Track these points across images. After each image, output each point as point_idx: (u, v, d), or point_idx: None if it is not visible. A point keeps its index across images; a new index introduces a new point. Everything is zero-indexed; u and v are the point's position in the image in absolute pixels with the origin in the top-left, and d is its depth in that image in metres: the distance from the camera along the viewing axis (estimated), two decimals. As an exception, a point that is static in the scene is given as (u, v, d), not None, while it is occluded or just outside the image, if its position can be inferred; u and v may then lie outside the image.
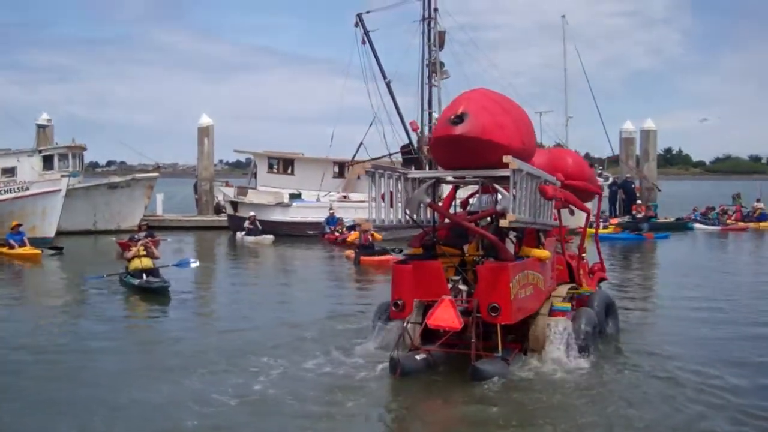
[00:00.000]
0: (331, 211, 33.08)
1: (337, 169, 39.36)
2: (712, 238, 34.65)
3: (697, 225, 38.18)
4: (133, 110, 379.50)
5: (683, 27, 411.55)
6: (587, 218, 13.74)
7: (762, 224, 39.14)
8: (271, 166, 39.43)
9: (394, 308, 10.94)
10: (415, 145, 36.65)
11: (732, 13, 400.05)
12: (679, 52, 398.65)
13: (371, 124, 36.25)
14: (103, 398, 9.47)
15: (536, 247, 11.52)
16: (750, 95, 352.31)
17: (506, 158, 9.83)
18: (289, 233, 33.05)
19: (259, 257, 27.94)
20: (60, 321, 14.74)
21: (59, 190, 29.81)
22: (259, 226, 32.62)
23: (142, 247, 18.31)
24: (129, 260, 18.22)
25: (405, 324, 10.66)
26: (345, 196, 36.74)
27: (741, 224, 38.66)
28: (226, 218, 37.57)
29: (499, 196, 10.75)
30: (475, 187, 11.82)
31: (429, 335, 10.64)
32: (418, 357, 10.41)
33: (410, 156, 36.42)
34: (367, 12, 37.13)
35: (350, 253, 24.91)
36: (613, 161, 45.05)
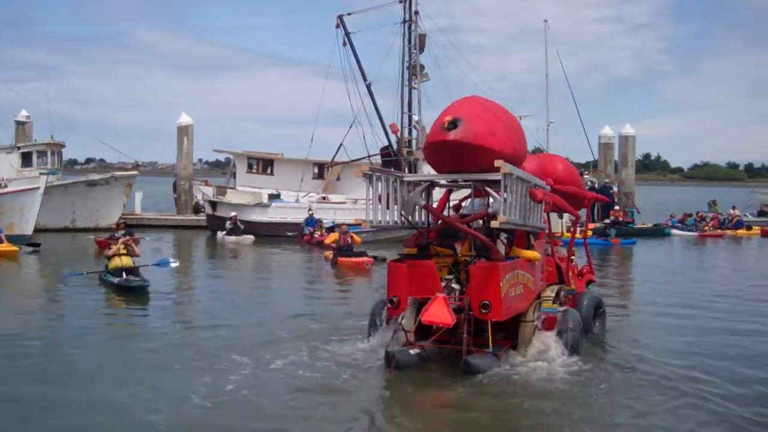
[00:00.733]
0: (311, 212, 33.14)
1: (316, 170, 39.43)
2: (689, 244, 35.00)
3: (674, 231, 38.52)
4: (114, 109, 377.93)
5: (665, 34, 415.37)
6: (576, 222, 14.31)
7: (739, 231, 39.57)
8: (250, 166, 39.41)
9: (389, 305, 11.37)
10: (395, 147, 36.77)
11: (713, 21, 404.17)
12: (660, 59, 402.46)
13: (351, 126, 36.35)
14: (74, 397, 9.50)
15: (526, 248, 11.93)
16: (729, 103, 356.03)
17: (497, 162, 10.23)
18: (267, 234, 33.04)
19: (239, 257, 27.90)
20: (37, 318, 14.69)
21: (38, 188, 29.65)
22: (241, 226, 32.61)
23: (122, 246, 18.28)
24: (109, 258, 18.19)
25: (400, 320, 11.12)
26: (324, 198, 36.80)
27: (718, 231, 39.06)
28: (204, 218, 37.51)
29: (491, 200, 11.18)
30: (468, 191, 12.46)
31: (423, 331, 11.12)
32: (412, 352, 10.88)
33: (389, 158, 36.52)
34: (349, 14, 37.26)
35: (329, 254, 24.97)
36: (594, 166, 45.36)
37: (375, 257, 23.67)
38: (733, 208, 43.42)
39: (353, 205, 35.93)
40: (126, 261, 17.95)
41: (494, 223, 10.55)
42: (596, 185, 40.39)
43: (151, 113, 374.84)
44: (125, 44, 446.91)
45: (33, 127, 42.37)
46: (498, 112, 11.47)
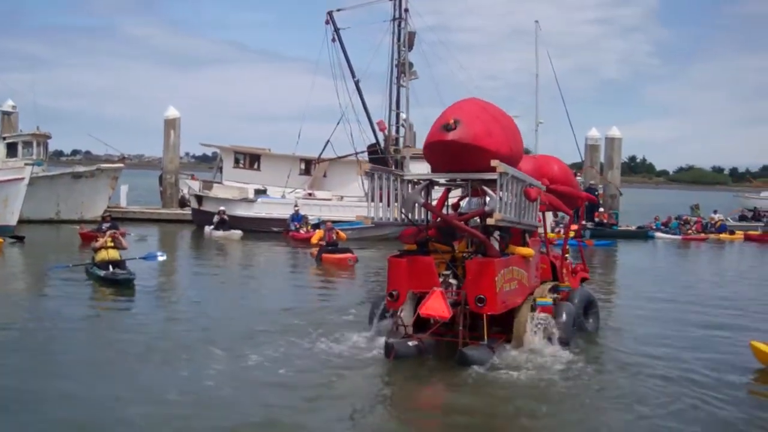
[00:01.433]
0: (296, 208, 33.02)
1: (303, 167, 39.32)
2: (671, 247, 35.20)
3: (658, 234, 38.68)
4: (101, 101, 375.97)
5: (654, 37, 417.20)
6: (570, 221, 15.07)
7: (722, 235, 39.78)
8: (237, 161, 39.29)
9: (389, 298, 11.90)
10: (382, 145, 36.77)
11: (702, 26, 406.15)
12: (648, 62, 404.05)
13: (339, 123, 36.30)
14: (52, 389, 9.52)
15: (522, 246, 12.46)
16: (716, 107, 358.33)
17: (493, 162, 10.66)
18: (253, 229, 32.96)
19: (225, 252, 27.84)
20: (21, 310, 14.66)
21: (22, 179, 29.47)
22: (228, 222, 32.44)
23: (110, 239, 18.23)
24: (96, 251, 18.13)
25: (399, 312, 11.62)
26: (310, 194, 36.72)
27: (701, 235, 39.29)
28: (190, 212, 37.40)
29: (488, 198, 11.62)
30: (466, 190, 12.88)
31: (421, 324, 11.48)
32: (410, 343, 11.30)
33: (376, 156, 36.52)
34: (338, 10, 37.18)
35: (314, 250, 25.01)
36: (580, 168, 45.50)
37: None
38: (715, 212, 43.68)
39: (339, 201, 35.97)
40: (113, 254, 17.89)
41: (490, 221, 10.96)
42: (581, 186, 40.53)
43: (138, 106, 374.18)
44: (114, 37, 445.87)
45: (19, 117, 42.12)
46: (496, 114, 11.88)
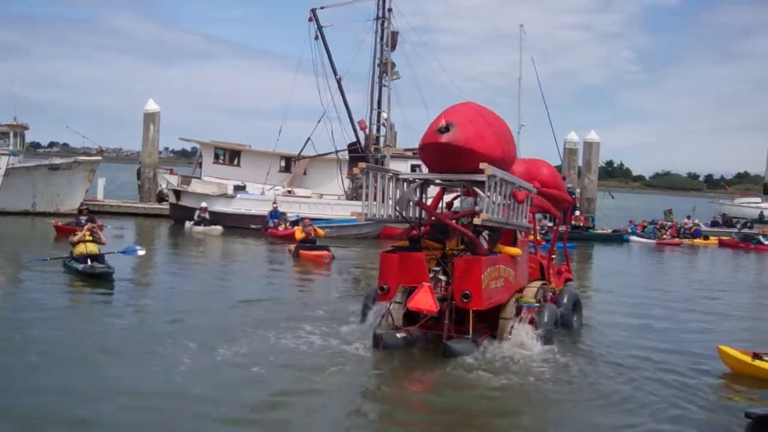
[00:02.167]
0: (275, 205, 32.95)
1: (283, 164, 39.28)
2: (646, 251, 35.58)
3: (633, 238, 39.05)
4: (81, 93, 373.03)
5: (634, 44, 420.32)
6: (558, 223, 15.60)
7: (696, 240, 40.26)
8: (217, 157, 39.14)
9: (380, 291, 12.34)
10: (363, 144, 36.83)
11: (680, 34, 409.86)
12: (627, 68, 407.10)
13: (320, 120, 36.37)
14: (23, 382, 9.44)
15: (511, 245, 12.87)
16: (692, 115, 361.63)
17: (482, 165, 11.04)
18: (231, 225, 32.87)
19: (204, 247, 27.77)
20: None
21: (-2, 168, 29.24)
22: (209, 218, 32.30)
23: (88, 232, 18.11)
24: (74, 244, 17.99)
25: (389, 305, 12.02)
26: (290, 191, 36.67)
27: (676, 239, 39.70)
28: (168, 206, 37.21)
29: (479, 198, 11.93)
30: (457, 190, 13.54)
31: (412, 318, 11.96)
32: (398, 335, 11.73)
33: (357, 154, 36.57)
34: (322, 8, 37.23)
35: (292, 246, 25.06)
36: (559, 171, 45.75)
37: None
38: (688, 217, 44.13)
39: (319, 199, 35.95)
40: (91, 248, 17.76)
41: (476, 220, 11.33)
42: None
43: (118, 99, 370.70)
44: (96, 28, 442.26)
45: (-5, 107, 41.71)
46: (489, 118, 12.28)
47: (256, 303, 15.42)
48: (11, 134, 36.37)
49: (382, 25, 36.90)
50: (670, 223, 42.19)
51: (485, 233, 12.54)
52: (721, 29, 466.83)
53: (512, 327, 12.10)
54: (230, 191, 35.27)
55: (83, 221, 19.79)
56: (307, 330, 12.56)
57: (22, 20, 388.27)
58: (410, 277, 12.00)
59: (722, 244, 39.82)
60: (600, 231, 39.85)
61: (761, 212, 54.61)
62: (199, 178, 37.59)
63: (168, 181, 38.01)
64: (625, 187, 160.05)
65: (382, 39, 36.82)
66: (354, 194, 35.82)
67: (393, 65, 36.88)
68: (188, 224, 32.44)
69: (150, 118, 40.97)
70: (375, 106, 37.08)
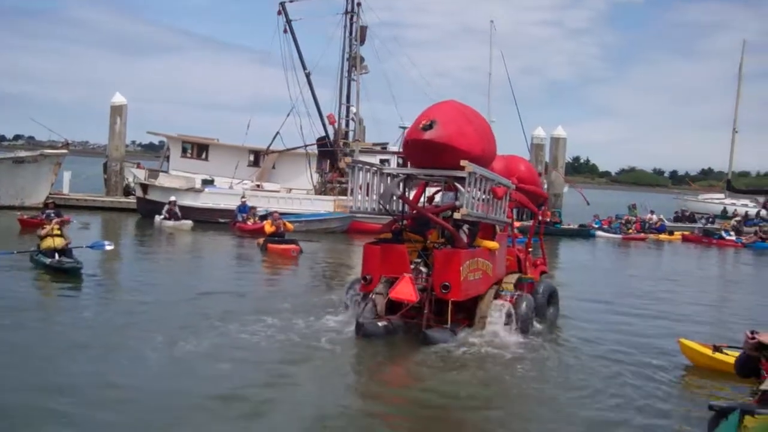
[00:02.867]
0: (243, 200, 32.80)
1: (252, 158, 39.17)
2: (613, 246, 36.06)
3: (599, 233, 39.47)
4: (46, 85, 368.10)
5: (601, 40, 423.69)
6: (535, 218, 16.22)
7: (661, 235, 40.83)
8: (184, 151, 38.91)
9: (363, 281, 12.85)
10: (332, 138, 36.85)
11: (646, 31, 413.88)
12: (594, 65, 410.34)
13: (288, 115, 36.34)
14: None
15: (491, 239, 13.38)
16: (657, 111, 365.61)
17: (462, 162, 11.63)
18: (199, 219, 32.69)
19: (173, 241, 27.65)
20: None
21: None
22: (179, 212, 32.06)
23: (56, 226, 17.95)
24: (42, 238, 17.81)
25: (371, 295, 12.57)
26: (258, 185, 36.58)
27: (641, 234, 40.22)
28: (134, 200, 36.88)
29: (459, 194, 12.37)
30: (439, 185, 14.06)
31: (394, 308, 12.45)
32: (380, 323, 12.20)
33: (326, 149, 36.61)
34: (291, 1, 37.15)
35: (261, 240, 25.10)
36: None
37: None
38: (652, 212, 44.70)
39: (287, 194, 35.91)
40: (59, 242, 17.61)
41: (456, 215, 12.00)
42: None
43: (84, 92, 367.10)
44: (59, 20, 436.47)
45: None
46: (470, 116, 12.85)
47: (223, 295, 15.55)
48: (-25, 127, 35.86)
49: (351, 19, 36.97)
50: (634, 218, 42.72)
51: (465, 227, 13.04)
52: (686, 27, 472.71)
53: (489, 317, 12.62)
54: (198, 185, 35.02)
55: (52, 215, 19.58)
56: (269, 323, 12.74)
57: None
58: (392, 268, 12.47)
59: (685, 239, 40.44)
60: (566, 226, 40.21)
61: (724, 208, 55.44)
62: (167, 172, 37.33)
63: (135, 175, 37.67)
64: (591, 182, 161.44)
65: (351, 33, 36.88)
66: (323, 189, 35.85)
67: (362, 60, 36.96)
68: (158, 218, 32.10)
69: (116, 111, 40.49)
70: (344, 100, 37.14)
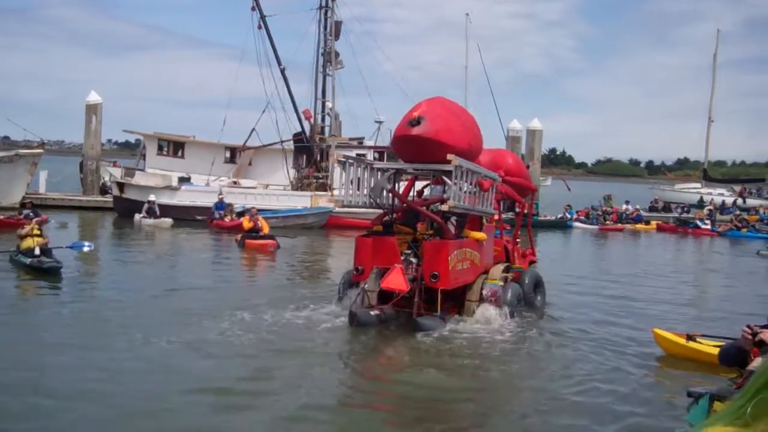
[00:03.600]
0: (221, 196, 32.71)
1: (228, 155, 39.08)
2: (590, 236, 36.44)
3: (576, 223, 39.75)
4: (20, 84, 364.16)
5: (575, 32, 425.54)
6: (522, 209, 16.78)
7: (638, 225, 41.23)
8: (161, 148, 38.73)
9: (355, 272, 13.23)
10: (308, 134, 36.85)
11: (620, 22, 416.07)
12: (569, 56, 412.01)
13: (264, 111, 36.24)
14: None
15: (478, 230, 13.86)
16: (632, 102, 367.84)
17: (449, 156, 12.12)
18: (176, 217, 32.57)
19: (152, 239, 27.59)
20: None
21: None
22: (158, 210, 31.90)
23: (36, 226, 17.89)
24: (21, 238, 17.74)
25: (363, 285, 13.00)
26: (235, 182, 36.50)
27: (618, 225, 40.59)
28: (111, 199, 36.65)
29: (447, 187, 12.84)
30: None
31: (386, 298, 12.92)
32: (372, 313, 12.71)
33: (302, 144, 36.61)
34: (264, -4, 37.05)
35: (239, 236, 25.18)
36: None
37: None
38: (627, 203, 45.10)
39: (264, 190, 35.88)
40: (39, 242, 17.55)
41: (443, 207, 12.44)
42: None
43: (59, 90, 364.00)
44: (34, 18, 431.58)
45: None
46: (457, 112, 13.50)
47: (203, 291, 15.77)
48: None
49: (326, 14, 36.97)
50: (611, 209, 43.07)
51: (453, 219, 13.40)
52: (660, 17, 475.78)
53: (477, 305, 13.19)
54: (175, 183, 34.87)
55: (30, 215, 19.51)
56: (248, 316, 12.90)
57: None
58: (383, 259, 12.90)
59: (660, 228, 40.89)
60: (543, 218, 40.47)
61: (701, 197, 55.93)
62: (143, 170, 37.16)
63: (111, 173, 37.38)
64: (568, 174, 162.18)
65: (325, 29, 36.89)
66: (300, 184, 35.87)
67: (337, 55, 37.00)
68: (137, 217, 31.84)
69: (92, 110, 40.19)
70: (319, 95, 37.20)
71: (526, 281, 14.89)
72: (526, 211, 17.32)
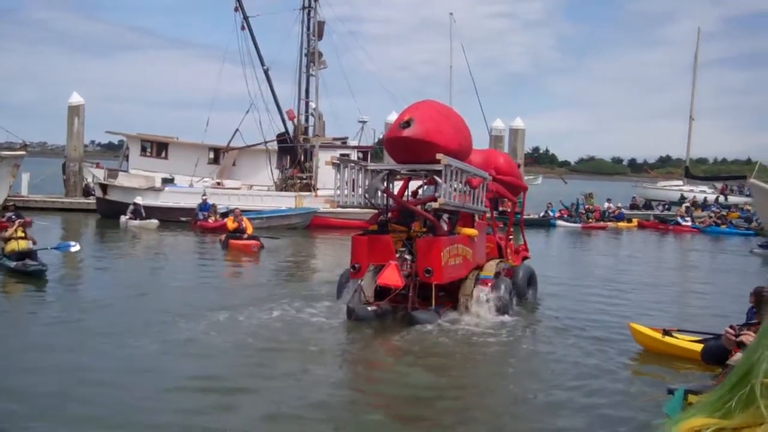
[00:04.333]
0: (204, 197, 32.62)
1: (212, 155, 38.95)
2: (573, 235, 36.70)
3: (559, 222, 39.99)
4: (3, 86, 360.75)
5: (558, 31, 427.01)
6: (514, 207, 17.56)
7: (620, 223, 41.53)
8: (144, 149, 38.52)
9: (352, 270, 13.65)
10: (291, 134, 36.86)
11: (603, 21, 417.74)
12: (551, 56, 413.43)
13: (248, 111, 36.24)
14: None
15: (470, 227, 14.28)
16: (614, 101, 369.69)
17: (439, 156, 12.55)
18: (160, 218, 32.50)
19: (137, 241, 27.55)
20: None
21: None
22: (143, 212, 31.80)
23: (20, 228, 17.85)
24: (6, 241, 17.69)
25: (360, 282, 13.37)
26: (219, 183, 36.43)
27: (601, 223, 40.89)
28: (94, 201, 36.53)
29: (438, 186, 13.26)
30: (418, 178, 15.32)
31: (382, 294, 13.30)
32: (369, 308, 13.11)
33: (286, 144, 36.62)
34: (247, -4, 37.03)
35: (222, 237, 25.23)
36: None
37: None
38: (608, 200, 45.42)
39: (248, 191, 35.87)
40: (23, 244, 17.49)
41: (434, 205, 13.07)
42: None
43: (41, 92, 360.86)
44: (16, 20, 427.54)
45: None
46: (447, 114, 14.08)
47: (189, 291, 15.89)
48: (-71, 129, 35.21)
49: (309, 14, 37.00)
50: (593, 208, 43.33)
51: (445, 217, 13.93)
52: (641, 16, 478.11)
53: (470, 299, 13.62)
54: (158, 184, 34.74)
55: (13, 217, 19.46)
56: (237, 315, 13.07)
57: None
58: (379, 256, 13.31)
59: (641, 226, 41.27)
60: (526, 216, 40.56)
61: (682, 194, 56.32)
62: (126, 171, 37.03)
63: (94, 175, 37.26)
64: (551, 173, 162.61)
65: (309, 29, 36.91)
66: (284, 185, 35.88)
67: (320, 55, 37.00)
68: (123, 218, 31.65)
69: (74, 111, 40.03)
70: (303, 95, 37.18)
71: (520, 275, 15.39)
72: (518, 210, 17.90)
